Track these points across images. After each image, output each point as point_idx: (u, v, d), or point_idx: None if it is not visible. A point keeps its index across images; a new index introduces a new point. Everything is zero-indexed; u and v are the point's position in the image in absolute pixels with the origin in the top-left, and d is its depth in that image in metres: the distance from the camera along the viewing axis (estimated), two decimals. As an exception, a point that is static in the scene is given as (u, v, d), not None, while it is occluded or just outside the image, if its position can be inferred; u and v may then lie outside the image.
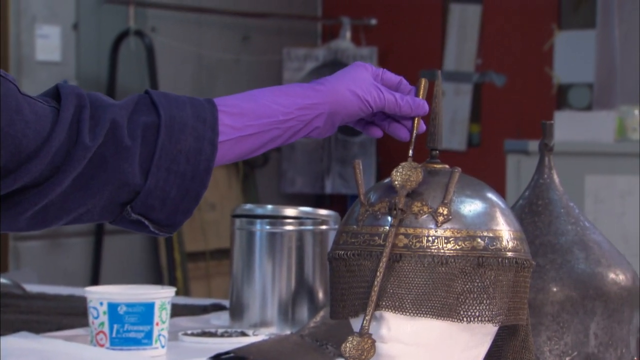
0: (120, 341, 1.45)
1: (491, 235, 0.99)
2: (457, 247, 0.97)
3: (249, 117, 1.02)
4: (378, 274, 0.96)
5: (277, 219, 1.67)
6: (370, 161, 4.67)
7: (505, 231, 1.00)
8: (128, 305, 1.44)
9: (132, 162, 0.95)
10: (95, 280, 3.93)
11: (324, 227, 1.67)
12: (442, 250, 0.97)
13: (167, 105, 0.99)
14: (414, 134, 1.06)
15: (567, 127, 3.53)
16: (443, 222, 0.98)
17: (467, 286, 0.97)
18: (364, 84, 1.06)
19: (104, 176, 0.94)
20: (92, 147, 0.94)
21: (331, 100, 1.05)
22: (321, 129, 1.06)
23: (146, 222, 0.97)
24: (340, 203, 4.74)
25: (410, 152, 1.03)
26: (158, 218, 0.97)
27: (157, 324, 1.46)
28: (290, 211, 1.68)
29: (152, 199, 0.96)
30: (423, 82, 1.08)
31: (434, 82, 1.05)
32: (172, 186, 0.97)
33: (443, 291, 0.96)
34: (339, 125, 1.08)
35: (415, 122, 1.06)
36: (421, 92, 1.07)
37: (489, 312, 0.97)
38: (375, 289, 0.96)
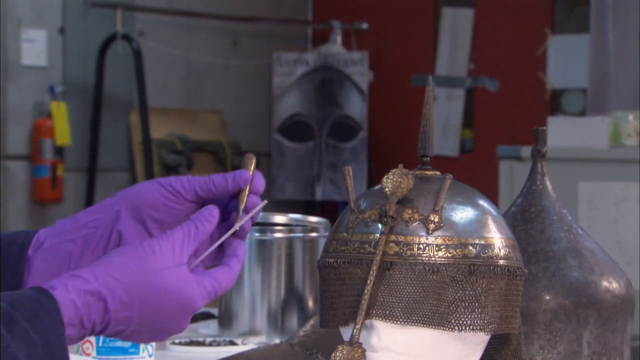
0: (107, 350, 1.43)
1: (483, 242, 0.98)
2: (449, 255, 0.96)
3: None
4: (368, 282, 0.95)
5: (266, 226, 1.65)
6: (361, 167, 4.66)
7: (497, 239, 0.99)
8: (115, 313, 1.42)
9: None
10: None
11: (314, 234, 1.66)
12: (433, 258, 0.96)
13: None
14: (240, 208, 0.94)
15: (560, 132, 3.53)
16: (434, 230, 0.97)
17: (459, 294, 0.96)
18: (174, 177, 0.96)
19: None
20: None
21: (126, 196, 0.95)
22: (128, 233, 0.94)
23: None
24: (331, 210, 4.73)
25: (237, 226, 0.93)
26: None
27: (144, 332, 1.44)
28: (279, 218, 1.67)
29: None
30: (246, 159, 0.97)
31: (426, 87, 1.03)
32: None
33: (434, 299, 0.95)
34: (157, 225, 0.94)
35: (240, 198, 0.94)
36: (247, 167, 0.96)
37: (481, 321, 0.96)
38: (366, 297, 0.95)
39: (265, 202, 0.97)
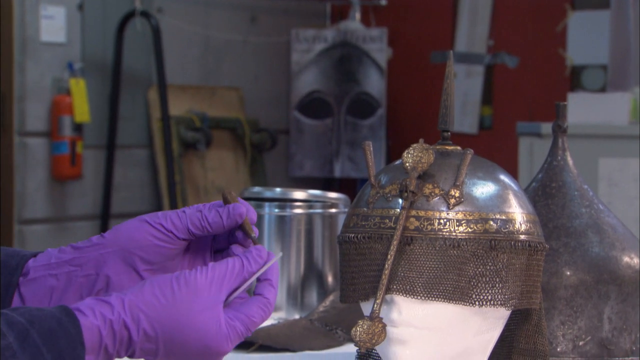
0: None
1: (504, 217, 0.98)
2: (469, 230, 0.96)
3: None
4: (389, 257, 0.95)
5: (285, 202, 1.65)
6: (379, 144, 4.65)
7: (518, 214, 0.99)
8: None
9: None
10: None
11: (333, 210, 1.66)
12: (453, 233, 0.96)
13: None
14: (254, 238, 0.90)
15: (580, 109, 3.50)
16: (455, 205, 0.97)
17: (479, 269, 0.96)
18: (162, 213, 0.91)
19: None
20: None
21: (115, 238, 0.90)
22: (118, 277, 0.91)
23: None
24: (349, 187, 4.73)
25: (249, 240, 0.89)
26: None
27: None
28: (299, 194, 1.66)
29: None
30: (228, 196, 0.92)
31: (446, 63, 1.03)
32: None
33: (455, 274, 0.95)
34: (149, 267, 0.91)
35: (245, 227, 0.91)
36: (233, 199, 0.92)
37: (502, 296, 0.96)
38: (386, 272, 0.95)
39: (280, 254, 0.94)
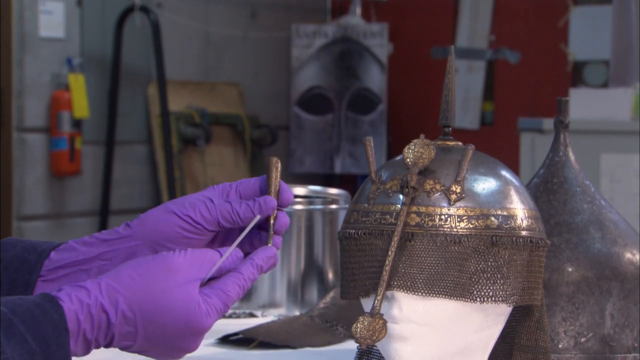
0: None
1: (505, 213, 0.97)
2: (471, 226, 0.96)
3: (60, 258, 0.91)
4: (389, 253, 0.94)
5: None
6: (380, 140, 4.64)
7: (519, 210, 0.98)
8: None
9: None
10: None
11: (333, 206, 1.65)
12: (455, 229, 0.95)
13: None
14: (271, 229, 0.90)
15: (582, 104, 3.49)
16: (456, 201, 0.96)
17: (481, 266, 0.95)
18: (187, 200, 0.89)
19: None
20: None
21: (142, 230, 0.89)
22: None
23: None
24: (350, 183, 4.72)
25: (270, 245, 0.89)
26: None
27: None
28: (299, 190, 1.66)
29: None
30: (272, 164, 0.92)
31: (447, 59, 1.02)
32: None
33: (456, 271, 0.95)
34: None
35: (271, 220, 0.90)
36: (269, 178, 0.91)
37: (503, 292, 0.96)
38: (387, 268, 0.94)
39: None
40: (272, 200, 0.91)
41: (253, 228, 0.91)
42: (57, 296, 0.82)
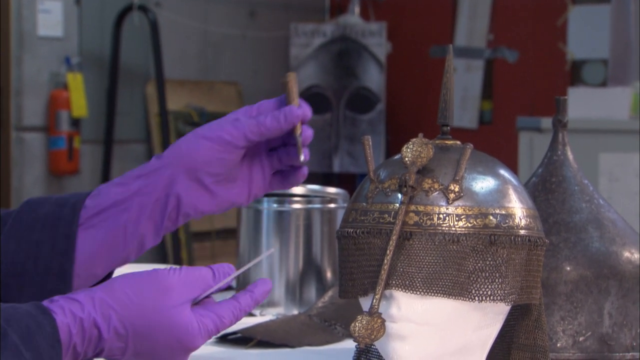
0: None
1: (503, 212, 0.97)
2: (469, 225, 0.96)
3: (99, 201, 0.92)
4: (388, 252, 0.94)
5: (284, 197, 1.65)
6: (379, 139, 4.64)
7: (518, 208, 0.98)
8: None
9: None
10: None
11: (332, 205, 1.65)
12: (453, 228, 0.95)
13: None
14: (299, 139, 0.93)
15: (581, 103, 3.49)
16: (454, 200, 0.96)
17: (479, 265, 0.95)
18: (215, 124, 0.92)
19: None
20: None
21: (177, 158, 0.91)
22: (188, 195, 0.92)
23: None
24: (348, 182, 4.72)
25: (302, 157, 0.93)
26: (19, 301, 0.86)
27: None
28: (297, 189, 1.66)
29: (6, 276, 0.88)
30: (289, 78, 0.93)
31: (446, 57, 1.02)
32: (26, 257, 0.89)
33: (454, 270, 0.94)
34: (214, 179, 0.92)
35: (296, 130, 0.93)
36: (289, 91, 0.93)
37: (501, 291, 0.96)
38: (385, 267, 0.94)
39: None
40: (295, 109, 0.93)
41: (280, 144, 0.94)
42: (50, 308, 0.83)
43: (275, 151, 0.96)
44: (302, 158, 0.93)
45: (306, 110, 0.94)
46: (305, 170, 0.96)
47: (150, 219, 0.92)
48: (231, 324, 0.89)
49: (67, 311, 0.83)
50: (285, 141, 0.96)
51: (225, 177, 0.93)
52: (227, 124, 0.92)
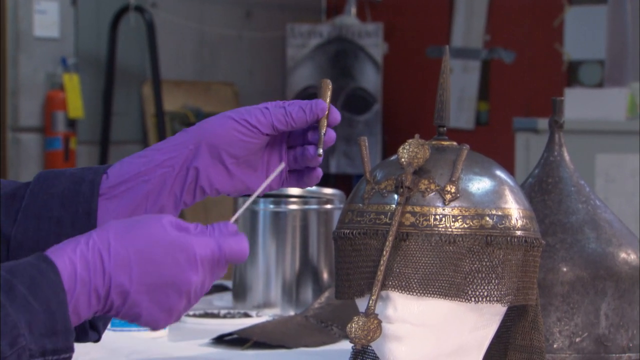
0: (120, 322, 1.43)
1: (500, 213, 0.97)
2: (465, 226, 0.95)
3: (117, 175, 0.93)
4: (384, 253, 0.94)
5: (281, 198, 1.65)
6: (375, 140, 4.64)
7: (514, 209, 0.98)
8: (129, 285, 1.41)
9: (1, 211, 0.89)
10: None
11: (328, 206, 1.65)
12: (449, 229, 0.95)
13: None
14: (322, 135, 0.94)
15: (577, 104, 3.50)
16: (451, 200, 0.96)
17: (475, 265, 0.95)
18: (243, 109, 0.94)
19: None
20: None
21: (200, 133, 0.93)
22: (206, 170, 0.93)
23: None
24: (345, 183, 4.72)
25: (320, 151, 0.94)
26: None
27: (158, 304, 1.43)
28: (294, 190, 1.66)
29: (24, 251, 0.89)
30: (323, 84, 0.95)
31: (442, 58, 1.02)
32: (48, 235, 0.90)
33: (451, 270, 0.94)
34: (234, 160, 0.93)
35: (320, 124, 0.94)
36: (323, 94, 0.95)
37: (498, 292, 0.96)
38: (382, 268, 0.94)
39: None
40: (322, 103, 0.94)
41: (299, 143, 0.96)
42: (50, 256, 0.82)
43: (293, 149, 0.97)
44: (320, 151, 0.94)
45: (335, 114, 0.96)
46: (319, 172, 0.97)
47: (171, 192, 0.93)
48: (232, 251, 0.86)
49: (66, 248, 0.82)
50: (305, 141, 0.97)
51: (245, 162, 0.94)
52: (255, 109, 0.94)
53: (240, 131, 0.93)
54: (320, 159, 0.95)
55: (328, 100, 0.96)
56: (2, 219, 0.90)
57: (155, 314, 0.84)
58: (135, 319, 0.84)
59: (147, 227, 0.84)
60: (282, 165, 0.95)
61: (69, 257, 0.82)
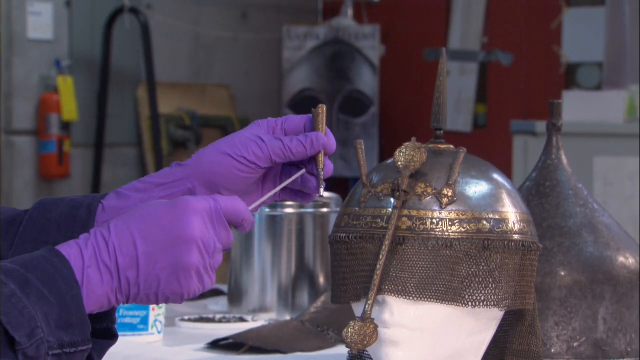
0: (116, 327, 1.42)
1: (497, 217, 0.97)
2: (462, 230, 0.95)
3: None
4: (381, 257, 0.94)
5: (277, 202, 1.64)
6: (372, 143, 4.63)
7: (511, 213, 0.98)
8: (123, 289, 1.41)
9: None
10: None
11: (325, 209, 1.64)
12: (446, 233, 0.95)
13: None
14: (320, 172, 0.93)
15: (575, 107, 3.49)
16: (448, 204, 0.96)
17: (473, 270, 0.95)
18: (238, 140, 0.92)
19: None
20: None
21: (198, 171, 0.92)
22: None
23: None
24: (341, 186, 4.71)
25: (322, 190, 0.94)
26: None
27: (153, 309, 1.43)
28: (290, 193, 1.64)
29: None
30: (319, 110, 0.95)
31: (439, 61, 1.01)
32: None
33: (447, 275, 0.94)
34: (231, 193, 0.93)
35: (318, 159, 0.93)
36: (319, 121, 0.94)
37: (495, 297, 0.95)
38: (378, 272, 0.93)
39: (303, 171, 0.95)
40: (322, 136, 0.94)
41: (295, 164, 0.95)
42: (62, 251, 0.83)
43: (290, 168, 0.96)
44: (321, 191, 0.94)
45: (331, 142, 0.94)
46: (315, 195, 0.96)
47: None
48: (228, 208, 0.88)
49: (80, 244, 0.83)
50: (302, 163, 0.96)
51: (244, 193, 0.94)
52: (251, 143, 0.92)
53: (239, 169, 0.92)
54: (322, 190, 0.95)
55: (324, 126, 0.94)
56: (1, 242, 0.91)
57: (173, 276, 0.84)
58: (157, 290, 0.84)
59: (143, 205, 0.86)
60: (303, 171, 0.94)
61: (77, 244, 0.83)
